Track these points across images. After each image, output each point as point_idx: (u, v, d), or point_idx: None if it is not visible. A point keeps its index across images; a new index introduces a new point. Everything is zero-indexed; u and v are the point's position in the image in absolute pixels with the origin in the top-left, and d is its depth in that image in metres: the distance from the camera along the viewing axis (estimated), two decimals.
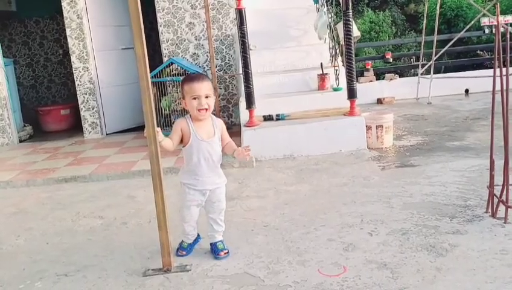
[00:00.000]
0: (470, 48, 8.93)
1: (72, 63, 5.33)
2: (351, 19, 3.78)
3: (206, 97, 1.97)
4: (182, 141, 2.05)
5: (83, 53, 5.28)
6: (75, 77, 5.35)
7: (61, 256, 2.26)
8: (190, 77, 2.03)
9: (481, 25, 6.64)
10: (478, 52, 9.02)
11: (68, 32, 5.25)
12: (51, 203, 3.16)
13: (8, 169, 4.09)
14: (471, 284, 1.70)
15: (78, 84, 5.36)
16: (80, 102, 5.41)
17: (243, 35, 3.80)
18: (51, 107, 6.36)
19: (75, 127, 6.02)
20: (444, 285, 1.71)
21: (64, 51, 7.07)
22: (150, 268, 2.04)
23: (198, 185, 2.05)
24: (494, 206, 2.27)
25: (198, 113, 1.98)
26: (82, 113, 5.44)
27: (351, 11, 3.77)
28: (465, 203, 2.48)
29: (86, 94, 5.37)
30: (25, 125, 5.79)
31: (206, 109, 1.98)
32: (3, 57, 5.46)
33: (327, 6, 4.51)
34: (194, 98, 1.97)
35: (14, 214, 3.00)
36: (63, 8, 5.19)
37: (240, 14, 3.78)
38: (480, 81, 5.88)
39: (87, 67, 5.31)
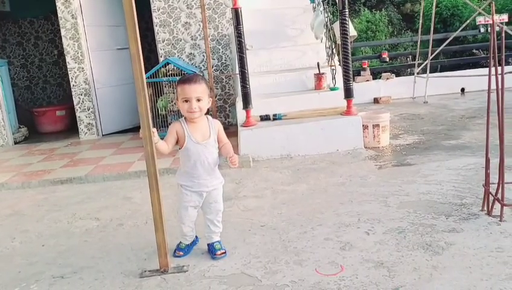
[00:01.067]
0: (465, 47, 8.97)
1: (67, 64, 5.30)
2: (347, 19, 3.78)
3: (198, 100, 1.95)
4: (177, 142, 2.04)
5: (77, 53, 5.26)
6: (70, 77, 5.33)
7: (58, 258, 2.25)
8: (183, 79, 2.01)
9: (477, 24, 6.66)
10: (474, 51, 9.06)
11: (63, 32, 5.22)
12: (47, 205, 3.14)
13: (3, 171, 4.06)
14: (467, 282, 1.71)
15: (73, 85, 5.34)
16: (75, 103, 5.38)
17: (239, 35, 3.79)
18: (46, 108, 6.33)
19: (70, 128, 6.00)
20: (441, 283, 1.72)
21: (59, 51, 7.03)
22: (146, 269, 2.03)
23: (195, 186, 2.04)
24: (490, 204, 2.28)
25: (189, 114, 1.97)
26: (78, 114, 5.41)
27: (347, 10, 3.78)
28: (461, 201, 2.49)
29: (81, 95, 5.35)
30: (20, 127, 5.76)
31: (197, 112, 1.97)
32: None
33: (323, 5, 4.52)
34: (186, 101, 1.95)
35: (9, 216, 2.98)
36: (58, 8, 5.17)
37: (236, 14, 3.78)
38: (476, 80, 5.92)
39: (83, 68, 5.29)
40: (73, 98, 5.38)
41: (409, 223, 2.27)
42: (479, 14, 6.13)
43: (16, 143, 5.43)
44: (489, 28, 6.64)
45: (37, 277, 2.07)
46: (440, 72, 7.55)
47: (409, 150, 3.72)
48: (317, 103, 4.18)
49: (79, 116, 5.41)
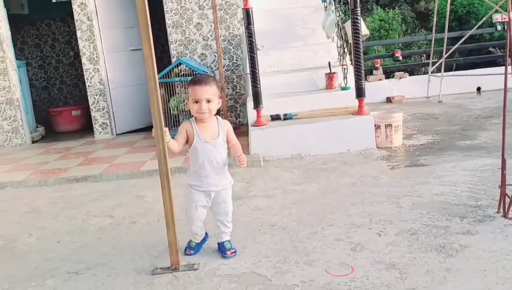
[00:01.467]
0: (482, 45, 8.78)
1: (83, 65, 5.39)
2: (359, 17, 3.76)
3: (208, 102, 1.97)
4: (187, 142, 2.06)
5: (93, 54, 5.34)
6: (85, 78, 5.42)
7: (72, 254, 2.29)
8: (194, 80, 2.03)
9: (493, 21, 6.53)
10: (490, 49, 8.87)
11: (79, 34, 5.32)
12: (63, 202, 3.21)
13: (21, 169, 4.16)
14: (481, 285, 1.68)
15: (88, 86, 5.43)
16: (90, 103, 5.47)
17: (250, 35, 3.80)
18: (62, 108, 6.45)
19: (86, 128, 6.10)
20: (454, 286, 1.69)
21: (75, 52, 7.16)
22: (158, 267, 2.05)
23: (203, 186, 2.05)
24: (506, 206, 2.23)
25: (198, 115, 1.99)
26: (93, 114, 5.50)
27: (359, 9, 3.75)
28: (476, 203, 2.45)
29: (96, 95, 5.44)
30: (37, 126, 5.89)
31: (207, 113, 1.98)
32: (16, 59, 5.56)
33: (335, 4, 4.49)
34: (196, 102, 1.98)
35: (26, 213, 3.05)
36: (74, 11, 5.26)
37: (247, 14, 3.79)
38: (492, 79, 5.80)
39: (98, 69, 5.37)
40: (89, 98, 5.47)
41: (422, 224, 2.24)
42: (496, 11, 6.00)
43: (33, 142, 5.55)
44: (506, 26, 6.49)
45: (52, 272, 2.11)
46: (455, 70, 7.42)
47: (422, 150, 3.67)
48: (328, 103, 4.15)
49: (94, 116, 5.50)
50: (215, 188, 2.06)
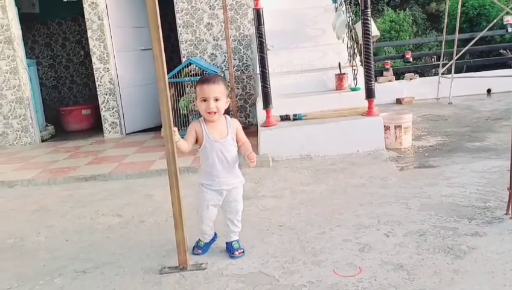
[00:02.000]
0: (492, 47, 8.68)
1: (93, 64, 5.45)
2: (369, 18, 3.74)
3: (216, 100, 1.98)
4: (197, 141, 2.07)
5: (103, 54, 5.39)
6: (95, 77, 5.47)
7: (80, 253, 2.31)
8: (202, 79, 2.04)
9: (504, 23, 6.45)
10: (501, 51, 8.77)
11: (89, 33, 5.37)
12: (71, 201, 3.24)
13: (31, 167, 4.21)
14: (489, 287, 1.67)
15: (98, 85, 5.48)
16: (100, 102, 5.52)
17: (260, 35, 3.81)
18: (72, 108, 6.52)
19: (95, 127, 6.16)
20: (462, 287, 1.68)
21: (85, 52, 7.23)
22: (166, 266, 2.06)
23: (215, 185, 2.06)
24: None
25: (207, 115, 2.00)
26: (102, 113, 5.55)
27: (369, 10, 3.74)
28: (484, 204, 2.43)
29: (106, 94, 5.49)
30: (47, 125, 5.95)
31: (215, 112, 1.99)
32: (27, 58, 5.63)
33: (346, 5, 4.48)
34: (203, 100, 1.99)
35: (35, 211, 3.08)
36: (85, 10, 5.32)
37: (258, 14, 3.80)
38: (503, 80, 5.74)
39: (108, 68, 5.42)
40: (99, 98, 5.52)
41: (430, 225, 2.23)
42: (507, 13, 5.93)
43: (43, 141, 5.62)
44: None
45: (60, 271, 2.13)
46: (466, 72, 7.35)
47: (431, 151, 3.64)
48: (337, 104, 4.15)
49: (103, 115, 5.55)
50: (226, 187, 2.07)
